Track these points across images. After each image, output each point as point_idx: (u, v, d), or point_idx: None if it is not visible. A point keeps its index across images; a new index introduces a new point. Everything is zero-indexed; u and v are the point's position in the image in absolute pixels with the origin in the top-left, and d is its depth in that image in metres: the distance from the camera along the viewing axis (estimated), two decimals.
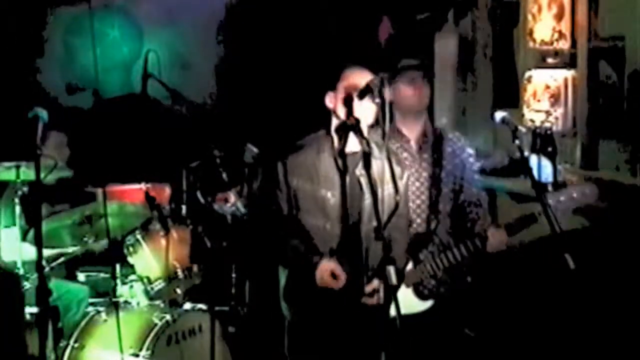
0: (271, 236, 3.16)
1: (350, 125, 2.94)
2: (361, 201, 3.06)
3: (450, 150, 3.42)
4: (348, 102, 2.94)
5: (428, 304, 3.30)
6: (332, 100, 3.07)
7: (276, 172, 3.09)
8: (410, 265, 3.27)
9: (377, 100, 2.82)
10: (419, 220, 3.34)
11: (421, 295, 3.29)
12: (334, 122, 3.10)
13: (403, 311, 3.16)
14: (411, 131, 3.40)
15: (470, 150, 3.49)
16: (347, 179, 3.07)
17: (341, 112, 3.03)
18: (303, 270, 3.06)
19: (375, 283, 3.06)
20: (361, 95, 2.91)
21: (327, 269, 2.99)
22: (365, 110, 2.96)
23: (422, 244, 3.30)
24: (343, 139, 3.05)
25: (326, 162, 3.08)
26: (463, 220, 3.39)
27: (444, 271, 3.27)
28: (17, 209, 4.02)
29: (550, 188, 4.53)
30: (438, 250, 3.28)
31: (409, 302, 3.25)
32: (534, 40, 4.93)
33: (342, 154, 3.07)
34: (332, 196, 3.05)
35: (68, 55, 6.47)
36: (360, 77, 2.98)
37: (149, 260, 4.44)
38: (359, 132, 2.90)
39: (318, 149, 3.10)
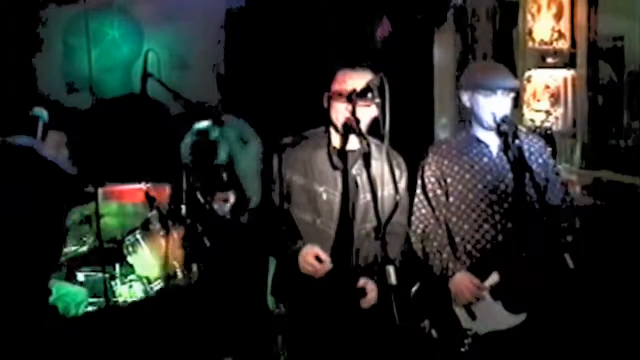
0: (264, 229, 3.15)
1: (350, 125, 2.93)
2: (356, 201, 3.05)
3: (534, 150, 3.29)
4: (351, 101, 2.93)
5: (521, 318, 3.18)
6: (326, 102, 3.08)
7: (271, 165, 3.10)
8: (496, 278, 3.19)
9: (377, 100, 2.82)
10: (508, 226, 3.20)
11: (512, 309, 3.18)
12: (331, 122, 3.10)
13: (494, 327, 3.16)
14: (489, 139, 3.30)
15: (548, 150, 3.37)
16: (342, 176, 3.06)
17: (334, 113, 3.04)
18: (289, 259, 3.01)
19: (362, 282, 3.01)
20: (361, 95, 2.90)
21: (311, 253, 2.95)
22: (364, 110, 2.96)
23: (510, 253, 3.18)
24: (343, 139, 3.05)
25: (322, 159, 3.08)
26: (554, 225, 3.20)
27: (533, 283, 3.14)
28: None
29: None
30: (527, 261, 3.15)
31: (500, 316, 3.17)
32: (534, 40, 4.93)
33: (341, 152, 3.06)
34: (324, 192, 3.05)
35: (68, 55, 6.46)
36: (352, 80, 2.98)
37: (149, 260, 4.44)
38: (359, 132, 2.90)
39: (315, 144, 3.10)
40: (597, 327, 3.92)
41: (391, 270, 2.61)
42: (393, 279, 2.59)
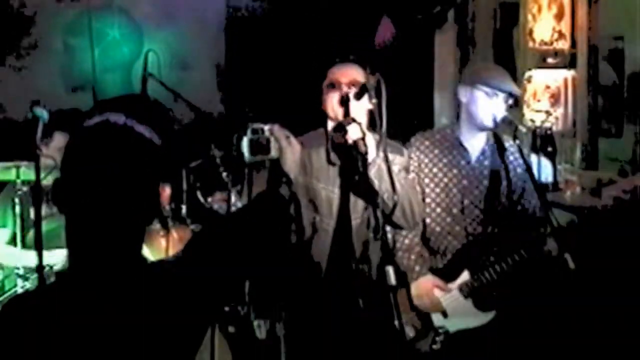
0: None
1: (347, 125, 2.93)
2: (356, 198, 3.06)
3: (512, 158, 3.32)
4: (345, 102, 2.93)
5: (490, 316, 3.23)
6: (323, 99, 3.10)
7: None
8: (467, 276, 3.23)
9: (374, 100, 2.81)
10: (478, 231, 3.26)
11: (482, 307, 3.22)
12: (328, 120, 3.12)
13: (464, 325, 3.21)
14: (471, 143, 3.32)
15: (530, 161, 3.41)
16: (340, 173, 3.07)
17: (328, 103, 3.06)
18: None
19: None
20: (358, 96, 2.90)
21: None
22: (359, 111, 2.96)
23: (481, 254, 3.23)
24: (339, 138, 3.05)
25: (321, 156, 3.09)
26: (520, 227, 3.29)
27: (503, 282, 3.18)
28: (17, 209, 4.01)
29: (550, 188, 4.53)
30: (496, 259, 3.19)
31: (470, 314, 3.21)
32: (534, 40, 4.92)
33: (338, 151, 3.07)
34: (323, 189, 3.06)
35: (68, 55, 6.47)
36: (339, 71, 3.01)
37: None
38: (355, 132, 2.89)
39: (314, 142, 3.11)
40: (593, 327, 3.92)
41: (391, 270, 2.60)
42: (392, 279, 2.58)
